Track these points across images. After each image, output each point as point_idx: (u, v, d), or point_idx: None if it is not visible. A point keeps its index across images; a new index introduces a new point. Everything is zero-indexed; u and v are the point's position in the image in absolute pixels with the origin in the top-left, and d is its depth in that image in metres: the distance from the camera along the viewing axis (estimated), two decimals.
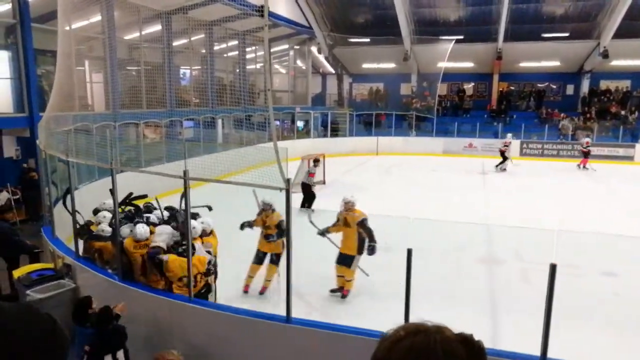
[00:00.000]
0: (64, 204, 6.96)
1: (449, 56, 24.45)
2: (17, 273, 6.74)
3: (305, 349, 4.82)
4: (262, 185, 4.89)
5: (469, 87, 29.49)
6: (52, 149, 8.01)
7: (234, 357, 5.13)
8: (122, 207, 6.82)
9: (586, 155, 20.12)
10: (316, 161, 13.37)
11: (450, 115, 27.35)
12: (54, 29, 10.18)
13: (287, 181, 4.69)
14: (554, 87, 28.22)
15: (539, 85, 28.18)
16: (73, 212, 6.90)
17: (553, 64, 26.78)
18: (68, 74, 9.98)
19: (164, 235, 5.76)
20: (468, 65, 27.91)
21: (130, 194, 6.87)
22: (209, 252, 5.66)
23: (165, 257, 5.44)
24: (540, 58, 26.37)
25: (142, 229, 5.84)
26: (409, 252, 4.49)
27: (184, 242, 5.66)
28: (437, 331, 0.96)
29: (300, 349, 4.83)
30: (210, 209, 6.90)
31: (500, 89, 28.02)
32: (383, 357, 0.95)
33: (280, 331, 4.86)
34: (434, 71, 25.74)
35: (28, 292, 6.07)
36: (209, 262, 5.54)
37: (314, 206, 12.12)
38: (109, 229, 6.37)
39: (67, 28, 10.11)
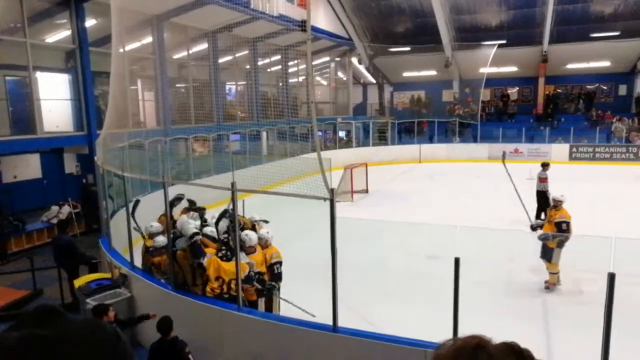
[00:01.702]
0: (133, 216, 7.35)
1: (491, 61, 23.99)
2: (77, 282, 7.16)
3: (352, 358, 4.86)
4: (306, 196, 5.01)
5: (513, 91, 28.74)
6: (109, 165, 8.49)
7: None
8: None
9: None
10: (545, 165, 12.75)
11: (495, 120, 26.74)
12: (109, 51, 10.84)
13: (332, 191, 4.79)
14: (605, 88, 27.05)
15: (588, 86, 27.11)
16: (128, 224, 7.29)
17: (603, 64, 25.70)
18: (122, 93, 10.58)
19: (186, 225, 5.81)
20: (512, 69, 27.26)
21: (176, 198, 7.18)
22: (249, 264, 5.73)
23: (205, 258, 5.61)
24: (589, 59, 25.39)
25: (179, 242, 6.01)
26: (457, 261, 4.47)
27: (223, 248, 5.87)
28: (491, 345, 0.95)
29: (348, 358, 4.87)
30: (266, 222, 7.06)
31: (547, 93, 27.15)
32: None
33: (327, 340, 4.93)
34: (477, 77, 25.30)
35: (88, 300, 6.44)
36: (249, 271, 5.63)
37: None
38: (164, 240, 6.65)
39: (121, 50, 10.75)
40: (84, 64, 12.79)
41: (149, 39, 14.91)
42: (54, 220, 11.94)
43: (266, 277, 5.92)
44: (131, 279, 6.85)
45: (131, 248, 7.24)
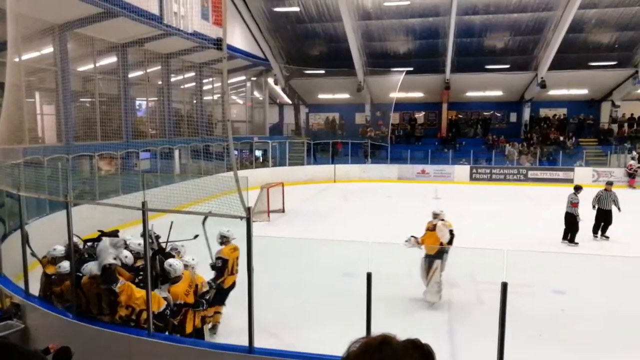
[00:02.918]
0: (28, 243, 6.68)
1: (400, 87, 25.49)
2: None
3: None
4: (222, 215, 4.94)
5: (419, 115, 30.71)
6: (1, 183, 7.74)
7: None
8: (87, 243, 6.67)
9: (632, 176, 21.83)
10: (577, 189, 12.48)
11: (403, 143, 28.29)
12: (3, 60, 9.96)
13: (248, 209, 4.77)
14: (499, 115, 29.87)
15: (485, 113, 29.77)
16: (23, 248, 6.66)
17: (497, 93, 28.45)
18: (18, 105, 9.74)
19: (105, 253, 5.40)
20: (418, 95, 29.15)
21: (101, 232, 6.68)
22: (166, 299, 5.45)
23: (118, 284, 5.24)
24: (485, 88, 27.96)
25: (90, 266, 5.62)
26: (369, 276, 4.65)
27: (140, 274, 5.56)
28: (395, 341, 1.05)
29: None
30: (196, 237, 6.77)
31: (450, 117, 29.34)
32: None
33: None
34: (387, 101, 26.71)
35: None
36: (165, 307, 5.30)
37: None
38: (67, 265, 6.15)
39: (17, 59, 9.92)
40: None
41: (49, 49, 13.91)
42: None
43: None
44: (25, 309, 6.23)
45: (26, 274, 6.60)
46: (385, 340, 1.03)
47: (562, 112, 28.41)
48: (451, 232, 8.43)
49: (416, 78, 26.30)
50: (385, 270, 8.24)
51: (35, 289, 6.54)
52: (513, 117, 29.51)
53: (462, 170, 24.67)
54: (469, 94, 28.61)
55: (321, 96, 30.45)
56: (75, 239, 6.08)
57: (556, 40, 22.68)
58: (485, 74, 26.41)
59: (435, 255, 7.69)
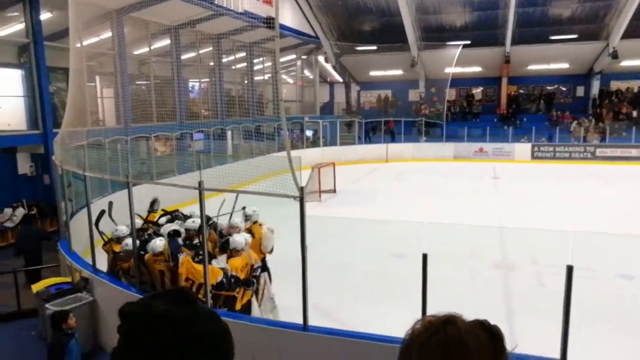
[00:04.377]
0: (97, 226, 7.01)
1: (456, 61, 24.45)
2: (35, 287, 6.81)
3: (323, 356, 4.80)
4: (276, 194, 4.91)
5: (477, 91, 29.43)
6: (68, 164, 8.12)
7: None
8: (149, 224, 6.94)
9: None
10: None
11: (460, 120, 27.30)
12: (66, 46, 10.38)
13: (301, 189, 4.71)
14: (564, 89, 28.07)
15: (548, 87, 28.05)
16: (90, 226, 6.98)
17: (562, 66, 26.65)
18: (80, 90, 10.15)
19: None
20: (476, 69, 27.89)
21: (154, 201, 6.93)
22: (223, 269, 5.57)
23: (181, 255, 5.44)
24: (549, 60, 26.26)
25: (154, 244, 5.83)
26: (424, 257, 4.47)
27: (200, 252, 5.68)
28: (460, 320, 0.99)
29: (318, 357, 4.81)
30: (244, 208, 6.87)
31: (509, 93, 27.92)
32: (419, 353, 0.96)
33: (298, 339, 4.85)
34: (442, 77, 25.74)
35: (47, 305, 6.13)
36: (221, 278, 5.43)
37: None
38: (125, 229, 6.43)
39: (79, 45, 10.30)
40: (38, 59, 12.20)
41: (108, 34, 14.38)
42: (8, 224, 11.37)
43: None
44: (93, 283, 6.56)
45: (93, 250, 6.94)
46: (450, 320, 0.98)
47: (636, 84, 26.21)
48: None
49: (474, 52, 25.15)
50: (441, 252, 8.04)
51: (101, 264, 6.87)
52: (580, 91, 27.60)
53: (522, 148, 23.45)
54: (531, 67, 27.02)
55: (373, 73, 29.84)
56: (137, 219, 6.36)
57: (630, 6, 20.86)
58: (550, 46, 24.83)
59: (262, 267, 6.46)
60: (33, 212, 11.83)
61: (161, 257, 5.75)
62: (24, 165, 13.54)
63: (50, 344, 4.74)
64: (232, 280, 5.42)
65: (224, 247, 5.96)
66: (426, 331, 0.97)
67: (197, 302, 1.02)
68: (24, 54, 12.47)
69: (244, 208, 6.94)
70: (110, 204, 7.26)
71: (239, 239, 5.73)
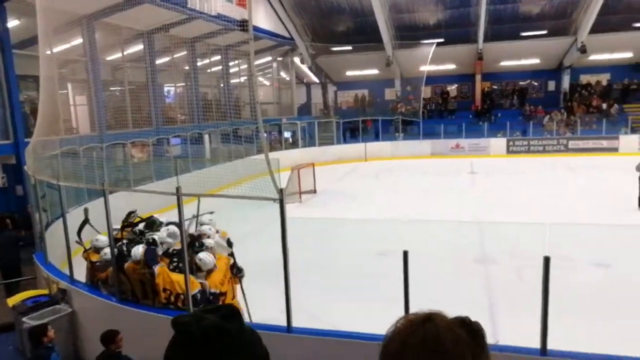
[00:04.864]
0: (79, 236, 6.83)
1: (430, 59, 24.75)
2: (11, 301, 6.64)
3: (308, 357, 4.80)
4: (255, 197, 4.90)
5: (452, 88, 29.85)
6: (41, 174, 7.94)
7: None
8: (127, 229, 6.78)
9: None
10: None
11: (436, 117, 27.64)
12: (36, 54, 10.14)
13: (281, 191, 4.71)
14: (536, 84, 28.68)
15: (520, 83, 28.63)
16: (66, 236, 6.83)
17: (533, 61, 27.25)
18: (52, 98, 9.93)
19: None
20: (450, 67, 28.28)
21: (130, 213, 6.79)
22: (202, 284, 5.36)
23: (157, 266, 5.33)
24: (521, 56, 26.81)
25: (136, 251, 5.73)
26: (405, 254, 4.50)
27: (174, 260, 5.59)
28: (440, 318, 0.99)
29: (303, 358, 4.81)
30: (211, 213, 6.80)
31: (483, 89, 28.40)
32: (397, 352, 0.96)
33: (282, 341, 4.84)
34: (417, 75, 26.04)
35: (24, 319, 5.99)
36: (198, 292, 5.27)
37: None
38: (105, 239, 6.28)
39: (49, 52, 10.08)
40: (7, 68, 11.90)
41: (79, 40, 14.10)
42: None
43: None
44: (71, 294, 6.43)
45: (70, 261, 6.80)
46: (430, 318, 0.99)
47: (604, 77, 26.97)
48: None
49: (447, 49, 25.50)
50: (422, 249, 8.13)
51: (79, 274, 6.73)
52: (551, 85, 28.25)
53: (498, 143, 23.90)
54: (504, 63, 27.53)
55: (349, 73, 29.99)
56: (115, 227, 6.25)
57: (597, 2, 21.44)
58: (521, 42, 25.33)
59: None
60: (6, 220, 11.47)
61: (141, 266, 5.66)
62: None
63: (31, 359, 4.63)
64: (211, 297, 5.32)
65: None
66: (405, 329, 0.98)
67: (242, 320, 1.07)
68: None
69: (211, 212, 6.73)
70: (86, 210, 7.09)
71: (207, 259, 5.43)
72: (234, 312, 1.07)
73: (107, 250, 6.11)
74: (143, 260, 5.40)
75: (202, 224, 6.68)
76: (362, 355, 4.57)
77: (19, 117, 12.24)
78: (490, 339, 1.00)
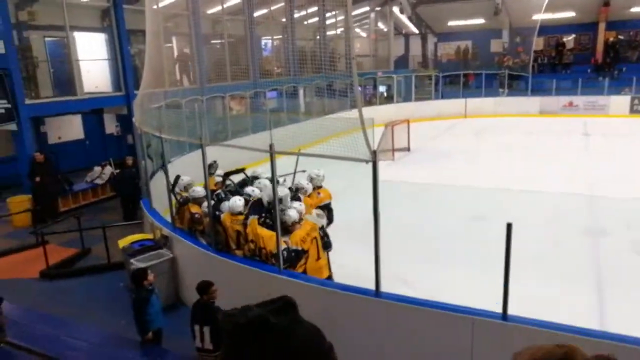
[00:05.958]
0: (174, 192, 7.26)
1: (546, 6, 22.17)
2: (121, 243, 7.27)
3: (395, 323, 4.69)
4: (348, 158, 4.71)
5: (569, 39, 26.69)
6: (146, 126, 8.41)
7: (324, 332, 5.12)
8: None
9: None
10: None
11: (548, 72, 25.08)
12: (143, 8, 10.59)
13: (374, 153, 4.47)
14: None
15: None
16: (168, 187, 7.23)
17: None
18: (158, 51, 10.39)
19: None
20: (569, 15, 25.16)
21: (211, 165, 7.07)
22: (285, 242, 5.41)
23: (251, 217, 5.51)
24: None
25: (234, 203, 5.89)
26: (509, 226, 4.08)
27: (263, 215, 5.68)
28: (580, 355, 0.93)
29: (390, 324, 4.70)
30: (304, 171, 6.90)
31: (607, 39, 25.04)
32: None
33: (370, 305, 4.76)
34: (529, 24, 23.53)
35: (132, 260, 6.52)
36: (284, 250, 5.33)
37: None
38: (201, 190, 6.60)
39: (155, 7, 10.47)
40: (118, 23, 12.64)
41: None
42: (98, 181, 12.21)
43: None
44: (173, 241, 6.87)
45: (172, 209, 7.22)
46: (568, 355, 0.93)
47: None
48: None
49: None
50: (523, 218, 7.49)
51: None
52: None
53: (620, 101, 21.06)
54: (635, 9, 23.91)
55: (452, 23, 28.01)
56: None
57: None
58: None
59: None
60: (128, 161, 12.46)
61: (240, 217, 5.82)
62: (110, 126, 14.41)
63: (134, 299, 5.03)
64: (293, 254, 5.34)
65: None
66: None
67: (299, 315, 1.02)
68: (106, 18, 12.96)
69: (304, 171, 6.87)
70: (177, 177, 7.41)
71: (292, 213, 5.48)
72: (286, 306, 1.00)
73: (199, 188, 6.64)
74: (248, 211, 5.59)
75: (311, 178, 6.74)
76: (450, 328, 4.36)
77: (129, 70, 13.07)
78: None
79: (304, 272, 5.48)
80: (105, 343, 5.60)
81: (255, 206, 5.65)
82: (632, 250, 7.37)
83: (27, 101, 10.91)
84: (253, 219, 5.53)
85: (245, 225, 5.67)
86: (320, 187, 6.87)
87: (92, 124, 14.23)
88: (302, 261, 5.41)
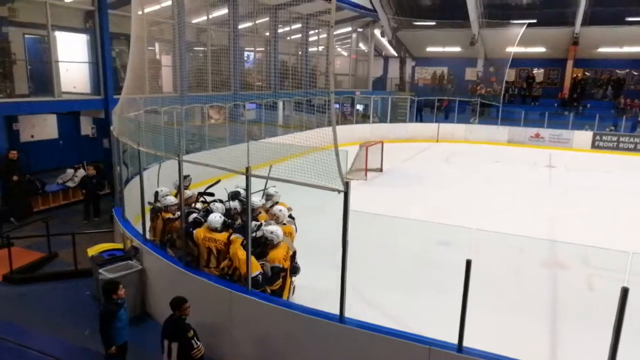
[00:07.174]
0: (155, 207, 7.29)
1: (519, 40, 23.17)
2: (91, 252, 7.24)
3: (357, 348, 4.85)
4: (321, 187, 4.87)
5: (539, 73, 27.89)
6: (124, 136, 8.42)
7: (287, 353, 5.27)
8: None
9: None
10: None
11: (518, 103, 26.07)
12: (128, 14, 10.62)
13: (346, 184, 4.64)
14: (636, 74, 26.07)
15: (618, 72, 26.17)
16: (142, 195, 7.24)
17: (636, 49, 24.67)
18: (141, 57, 10.41)
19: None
20: (540, 50, 26.35)
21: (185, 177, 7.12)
22: (262, 266, 5.55)
23: (234, 235, 5.65)
24: (623, 43, 24.39)
25: (213, 218, 5.95)
26: (468, 263, 4.33)
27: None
28: None
29: (353, 350, 4.86)
30: (274, 187, 6.93)
31: (574, 76, 26.28)
32: None
33: (334, 330, 4.90)
34: (502, 56, 24.53)
35: (100, 270, 6.51)
36: (258, 274, 5.44)
37: None
38: (173, 199, 6.74)
39: (140, 12, 10.50)
40: (102, 26, 12.59)
41: (168, 2, 14.56)
42: (69, 184, 12.04)
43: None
44: (143, 252, 6.87)
45: (144, 220, 7.22)
46: None
47: None
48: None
49: (539, 31, 23.76)
50: (483, 259, 7.79)
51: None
52: None
53: (583, 136, 22.15)
54: (602, 49, 25.21)
55: (430, 49, 28.84)
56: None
57: None
58: (625, 28, 22.98)
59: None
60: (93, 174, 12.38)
61: (215, 235, 5.85)
62: (86, 127, 14.23)
63: (102, 311, 5.06)
64: (275, 270, 5.50)
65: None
66: None
67: None
68: (89, 20, 12.88)
69: (274, 186, 6.84)
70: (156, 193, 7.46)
71: (278, 231, 5.61)
72: None
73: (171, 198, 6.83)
74: (230, 232, 5.70)
75: (268, 195, 6.89)
76: (410, 356, 4.56)
77: (110, 74, 12.99)
78: None
79: (280, 289, 5.63)
80: (67, 358, 5.56)
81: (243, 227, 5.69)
82: (586, 285, 7.79)
83: (1, 99, 10.72)
84: (237, 237, 5.60)
85: (229, 241, 5.72)
86: (277, 202, 6.92)
87: (68, 124, 14.03)
88: (280, 281, 5.57)
